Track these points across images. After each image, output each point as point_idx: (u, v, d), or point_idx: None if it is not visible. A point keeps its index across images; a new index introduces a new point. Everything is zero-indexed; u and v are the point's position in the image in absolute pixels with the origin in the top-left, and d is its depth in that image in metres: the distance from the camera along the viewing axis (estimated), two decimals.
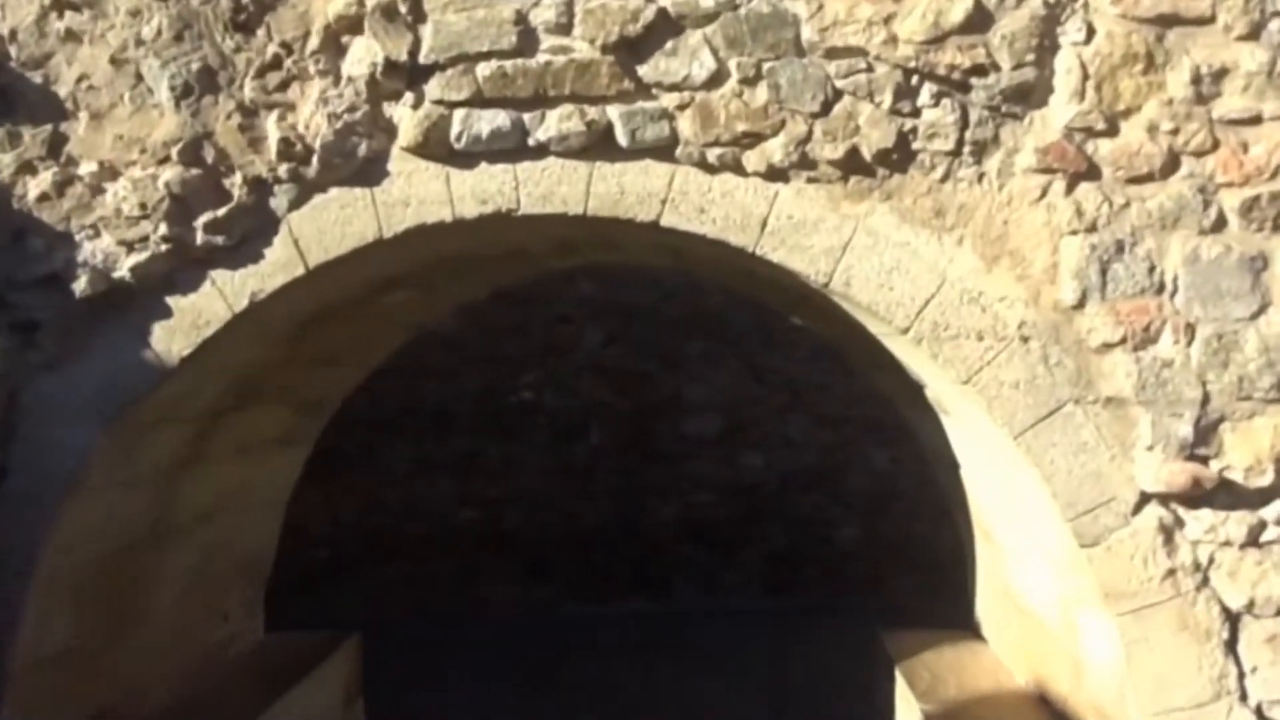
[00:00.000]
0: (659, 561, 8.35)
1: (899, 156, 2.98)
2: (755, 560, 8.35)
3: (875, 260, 3.03)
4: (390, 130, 3.12)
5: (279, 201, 3.16)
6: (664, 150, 3.07)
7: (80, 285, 3.12)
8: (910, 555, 8.20)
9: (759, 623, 7.90)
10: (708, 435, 8.40)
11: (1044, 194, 2.93)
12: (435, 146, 3.11)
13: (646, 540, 8.37)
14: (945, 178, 2.97)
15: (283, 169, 3.12)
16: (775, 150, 3.01)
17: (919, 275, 3.00)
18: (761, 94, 2.99)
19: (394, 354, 8.51)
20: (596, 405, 8.44)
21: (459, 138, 3.10)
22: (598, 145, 3.08)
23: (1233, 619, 2.85)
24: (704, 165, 3.07)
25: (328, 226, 3.19)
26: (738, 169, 3.06)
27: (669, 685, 6.99)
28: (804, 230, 3.05)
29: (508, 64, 3.03)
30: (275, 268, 3.20)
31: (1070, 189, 2.92)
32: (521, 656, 7.45)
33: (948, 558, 8.56)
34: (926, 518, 8.23)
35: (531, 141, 3.10)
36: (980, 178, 2.96)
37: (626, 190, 3.11)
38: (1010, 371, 2.93)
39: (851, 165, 3.00)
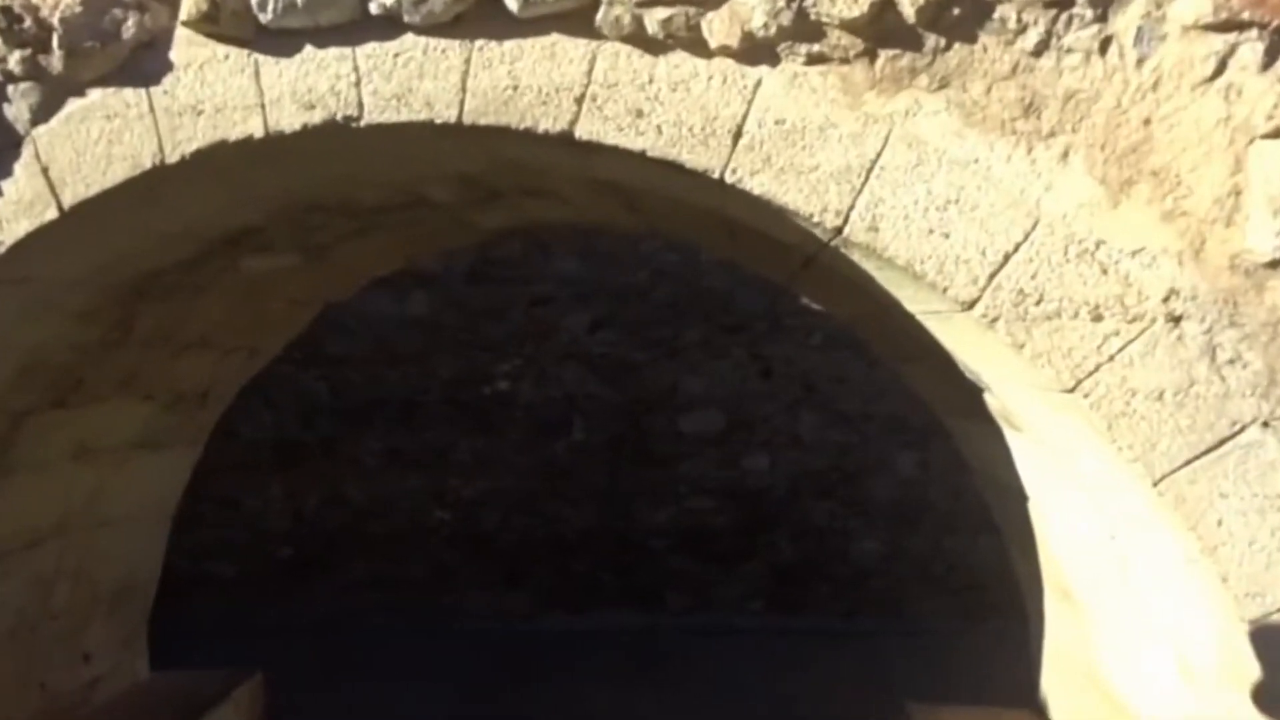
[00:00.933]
0: (649, 572, 7.14)
1: (963, 13, 1.74)
2: (759, 574, 7.11)
3: (920, 189, 1.79)
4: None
5: (17, 109, 2.03)
6: (578, 19, 1.85)
7: None
8: (939, 574, 6.95)
9: (761, 645, 6.69)
10: (707, 433, 7.16)
11: (1220, 69, 1.66)
12: (232, 21, 1.95)
13: (635, 549, 7.16)
14: (1041, 49, 1.72)
15: (14, 60, 1.98)
16: (754, 9, 1.78)
17: (995, 213, 1.76)
18: None
19: (355, 337, 7.39)
20: (581, 398, 7.22)
21: (265, 4, 1.91)
22: (476, 14, 1.89)
23: None
24: (641, 40, 1.84)
25: (88, 147, 2.02)
26: (695, 45, 1.83)
27: (654, 711, 5.84)
28: (802, 142, 1.83)
29: None
30: (18, 209, 2.06)
31: (1271, 59, 1.64)
32: (493, 669, 6.35)
33: (986, 578, 7.33)
34: (959, 530, 6.99)
35: (375, 9, 1.90)
36: (1103, 46, 1.70)
37: (522, 83, 1.90)
38: (1150, 373, 1.68)
39: (881, 31, 1.76)
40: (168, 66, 2.01)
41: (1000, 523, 3.17)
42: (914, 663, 6.30)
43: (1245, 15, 1.60)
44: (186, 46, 2.00)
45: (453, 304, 7.24)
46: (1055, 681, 3.09)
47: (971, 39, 1.73)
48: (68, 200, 2.07)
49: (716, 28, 1.81)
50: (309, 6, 1.91)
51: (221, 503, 7.35)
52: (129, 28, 1.98)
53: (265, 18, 1.93)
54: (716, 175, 1.86)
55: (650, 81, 1.87)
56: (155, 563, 4.00)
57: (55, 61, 1.99)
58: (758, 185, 1.85)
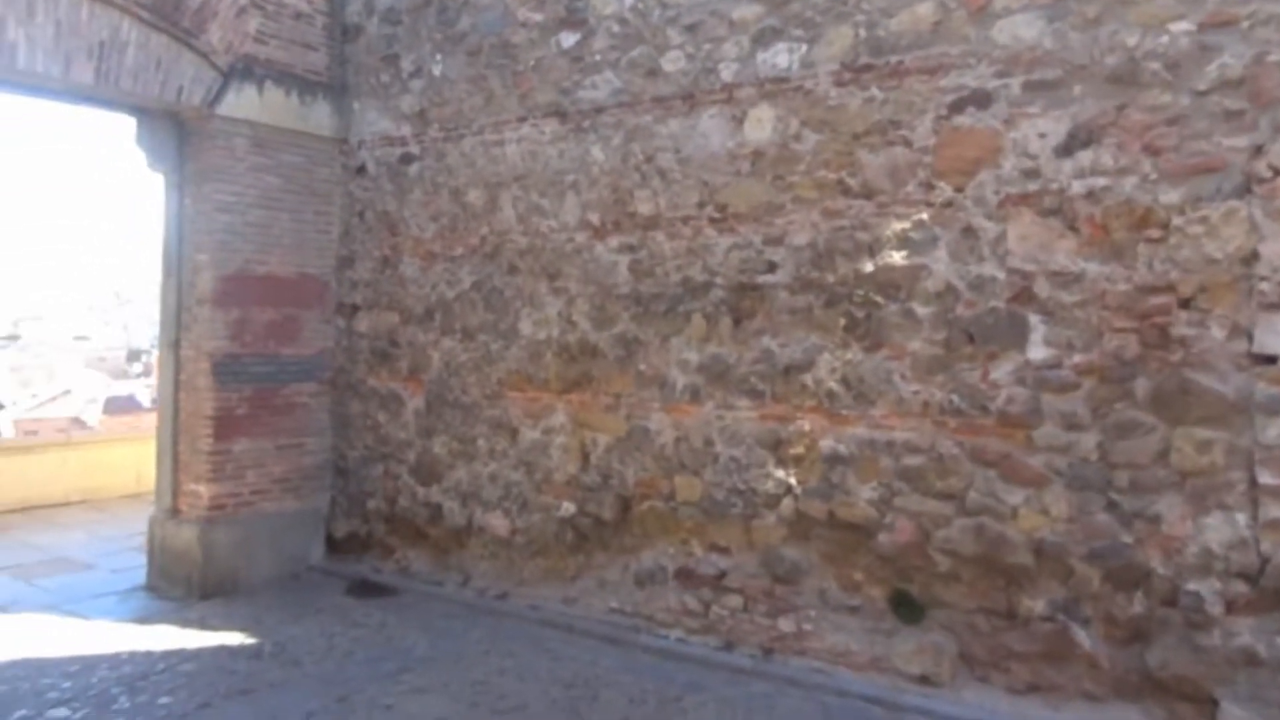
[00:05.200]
0: (1181, 648, 3.22)
1: None
2: None
3: None
4: None
5: None
6: None
7: None
8: None
9: None
10: None
11: None
12: None
13: (1155, 592, 3.28)
14: None
15: None
16: None
17: None
18: None
19: (668, 184, 4.48)
20: (1044, 279, 3.51)
21: None
22: None
23: None
24: None
25: None
26: None
27: None
28: None
29: None
30: None
31: None
32: None
33: None
34: None
35: None
36: None
37: None
38: None
39: None
40: None
41: None
42: None
43: None
44: None
45: (816, 120, 4.02)
46: None
47: None
48: None
49: None
50: None
51: (495, 427, 5.00)
52: None
53: None
54: None
55: None
56: None
57: None
58: None
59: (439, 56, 5.28)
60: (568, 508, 4.71)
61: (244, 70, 5.10)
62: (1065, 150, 3.51)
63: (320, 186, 5.52)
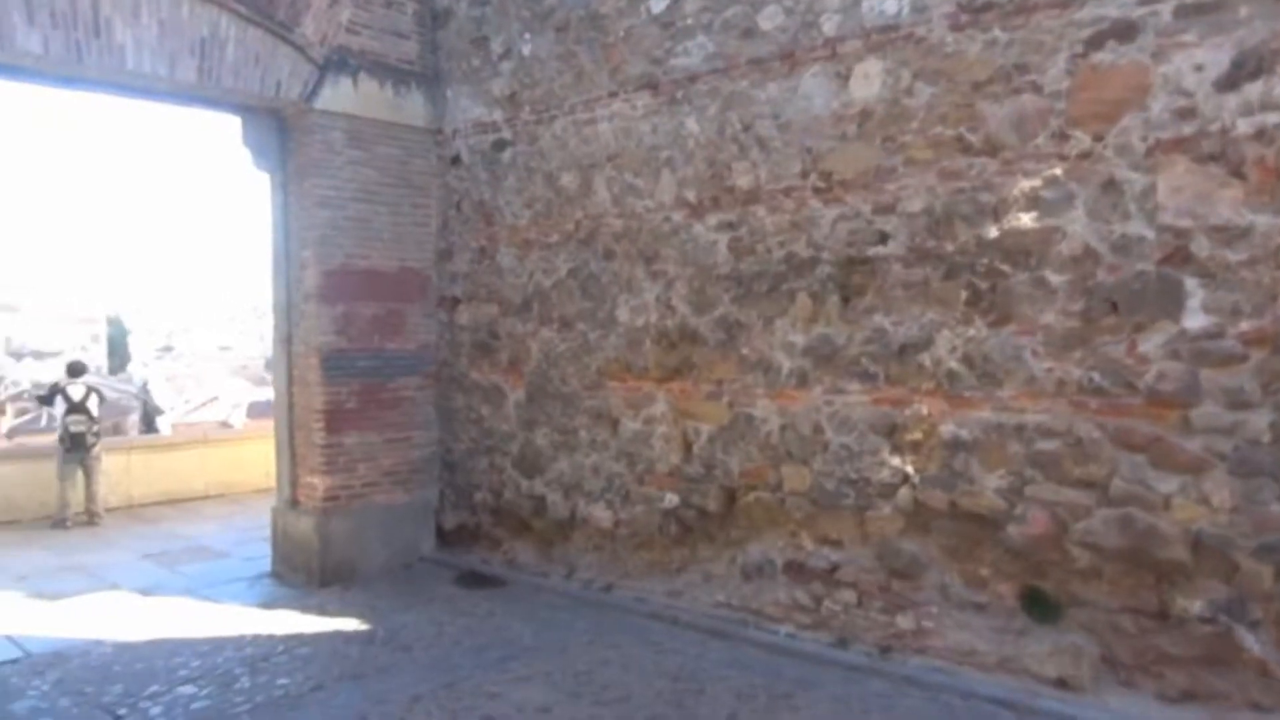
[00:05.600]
0: None
1: None
2: None
3: None
4: None
5: None
6: None
7: None
8: None
9: None
10: None
11: None
12: None
13: None
14: None
15: None
16: None
17: None
18: None
19: (769, 152, 4.12)
20: (1183, 238, 3.03)
21: None
22: None
23: None
24: None
25: None
26: None
27: None
28: None
29: None
30: None
31: None
32: None
33: None
34: None
35: None
36: None
37: None
38: None
39: None
40: None
41: None
42: None
43: None
44: None
45: (930, 70, 3.61)
46: None
47: None
48: None
49: None
50: None
51: (595, 418, 4.81)
52: None
53: None
54: None
55: None
56: None
57: None
58: None
59: (527, 35, 5.09)
60: (671, 499, 4.49)
61: (339, 62, 5.06)
62: (1228, 84, 2.99)
63: (416, 178, 5.45)
